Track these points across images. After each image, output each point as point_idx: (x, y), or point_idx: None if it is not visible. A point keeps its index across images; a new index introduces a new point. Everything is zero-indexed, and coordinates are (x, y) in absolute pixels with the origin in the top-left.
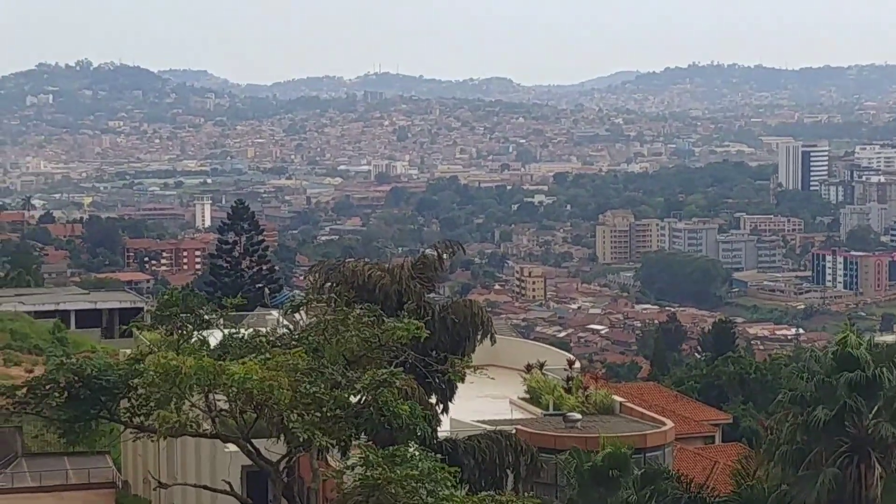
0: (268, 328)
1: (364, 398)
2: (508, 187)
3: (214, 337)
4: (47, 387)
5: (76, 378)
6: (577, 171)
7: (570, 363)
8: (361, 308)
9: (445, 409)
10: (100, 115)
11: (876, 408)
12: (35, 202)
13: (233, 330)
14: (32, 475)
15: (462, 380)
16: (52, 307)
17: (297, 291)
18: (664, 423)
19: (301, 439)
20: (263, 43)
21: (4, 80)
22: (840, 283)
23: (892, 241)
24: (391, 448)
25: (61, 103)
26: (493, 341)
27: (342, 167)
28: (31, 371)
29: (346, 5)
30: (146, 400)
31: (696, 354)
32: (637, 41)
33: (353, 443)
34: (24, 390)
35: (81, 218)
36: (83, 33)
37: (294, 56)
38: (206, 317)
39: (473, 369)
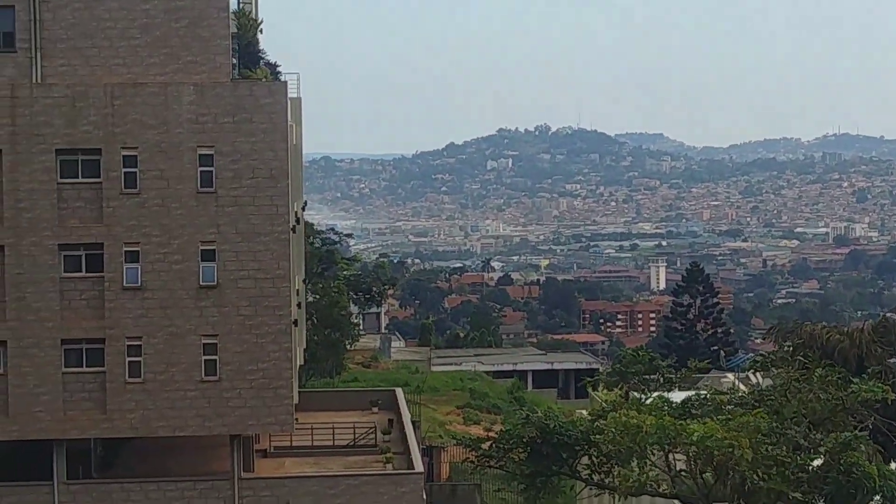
0: (725, 390)
1: (827, 461)
2: None
3: (673, 397)
4: (511, 441)
5: (539, 433)
6: None
7: None
8: (824, 369)
9: None
10: (557, 178)
11: None
12: (494, 264)
13: (692, 391)
14: None
15: None
16: (510, 367)
17: (752, 354)
18: None
19: (767, 499)
20: (720, 106)
21: (466, 145)
22: None
23: None
24: None
25: (520, 167)
26: None
27: (799, 229)
28: (489, 430)
29: (809, 65)
30: (606, 457)
31: None
32: None
33: None
34: (489, 444)
35: (538, 280)
36: (542, 99)
37: (751, 118)
38: (669, 376)
39: None
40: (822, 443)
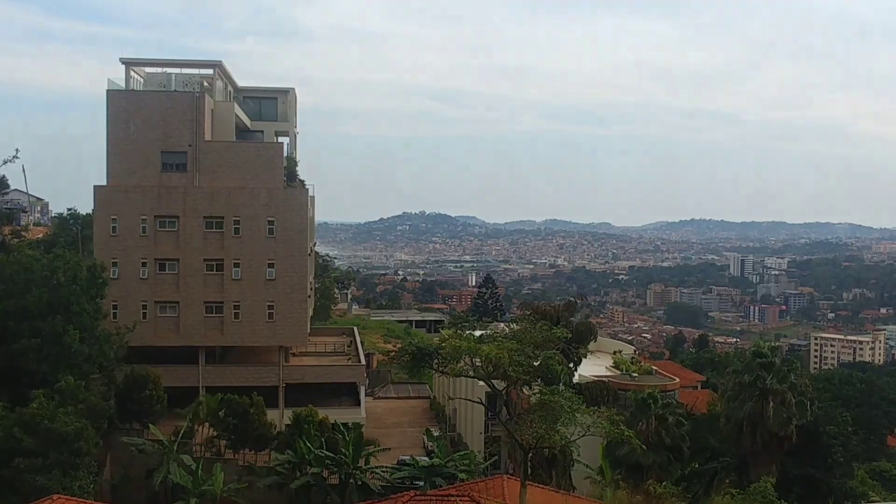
0: (499, 331)
1: (541, 363)
2: None
3: (476, 333)
4: (404, 351)
5: (416, 348)
6: None
7: (634, 351)
8: (542, 322)
9: (575, 369)
10: (429, 235)
11: (771, 375)
12: (400, 272)
13: (485, 331)
14: (395, 390)
15: (585, 356)
16: (405, 318)
17: (512, 315)
18: (674, 379)
19: (513, 379)
20: (508, 197)
21: (389, 219)
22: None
23: (780, 300)
24: (552, 386)
25: (412, 229)
26: (597, 339)
27: (534, 261)
28: (395, 346)
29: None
30: (445, 359)
31: (692, 349)
32: None
33: (534, 383)
34: (393, 353)
35: (419, 280)
36: (419, 191)
37: (524, 204)
38: (474, 324)
39: (588, 352)
40: (539, 356)
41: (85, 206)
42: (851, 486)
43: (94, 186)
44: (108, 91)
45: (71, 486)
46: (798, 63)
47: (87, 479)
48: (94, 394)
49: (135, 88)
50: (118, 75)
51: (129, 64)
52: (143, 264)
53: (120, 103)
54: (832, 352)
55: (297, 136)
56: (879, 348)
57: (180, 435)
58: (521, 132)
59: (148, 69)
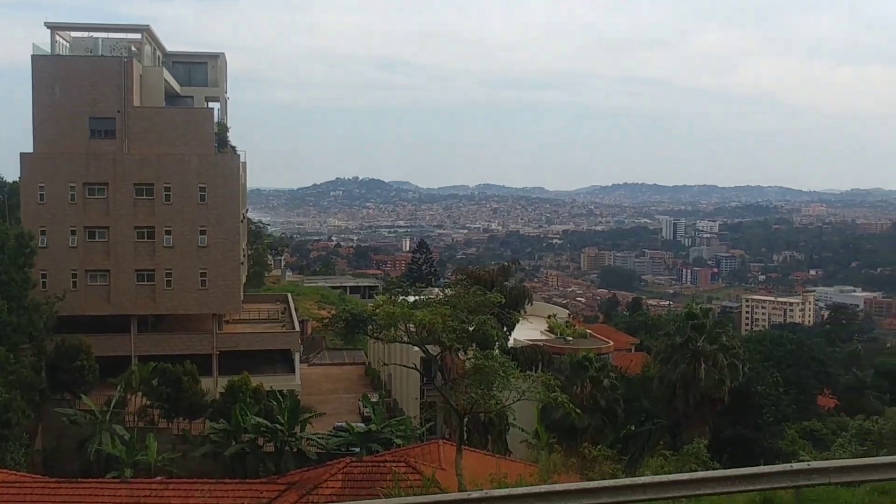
0: (433, 296)
1: (476, 328)
2: None
3: (409, 299)
4: (338, 318)
5: (350, 314)
6: None
7: (569, 314)
8: (476, 287)
9: (510, 333)
10: (362, 200)
11: (703, 336)
12: (333, 238)
13: (418, 296)
14: (330, 357)
15: (518, 321)
16: (340, 284)
17: (446, 280)
18: (609, 342)
19: (447, 345)
20: (443, 159)
21: (322, 184)
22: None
23: (711, 263)
24: (486, 351)
25: (345, 194)
26: (531, 304)
27: (468, 225)
28: (329, 313)
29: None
30: (379, 326)
31: (625, 312)
32: None
33: (469, 348)
34: (328, 319)
35: (353, 245)
36: (354, 159)
37: (456, 169)
38: (408, 289)
39: (522, 317)
40: (473, 321)
41: (11, 174)
42: (782, 445)
43: (21, 154)
44: (32, 56)
45: (2, 458)
46: (727, 29)
47: (19, 451)
48: (25, 365)
49: (61, 53)
50: (44, 40)
51: (54, 28)
52: (73, 232)
53: (45, 68)
54: (763, 314)
55: (228, 101)
56: (809, 310)
57: (112, 405)
58: (455, 99)
59: (74, 34)
